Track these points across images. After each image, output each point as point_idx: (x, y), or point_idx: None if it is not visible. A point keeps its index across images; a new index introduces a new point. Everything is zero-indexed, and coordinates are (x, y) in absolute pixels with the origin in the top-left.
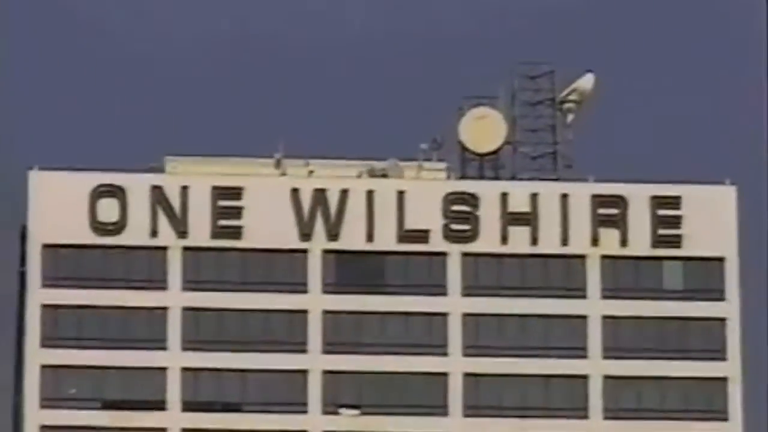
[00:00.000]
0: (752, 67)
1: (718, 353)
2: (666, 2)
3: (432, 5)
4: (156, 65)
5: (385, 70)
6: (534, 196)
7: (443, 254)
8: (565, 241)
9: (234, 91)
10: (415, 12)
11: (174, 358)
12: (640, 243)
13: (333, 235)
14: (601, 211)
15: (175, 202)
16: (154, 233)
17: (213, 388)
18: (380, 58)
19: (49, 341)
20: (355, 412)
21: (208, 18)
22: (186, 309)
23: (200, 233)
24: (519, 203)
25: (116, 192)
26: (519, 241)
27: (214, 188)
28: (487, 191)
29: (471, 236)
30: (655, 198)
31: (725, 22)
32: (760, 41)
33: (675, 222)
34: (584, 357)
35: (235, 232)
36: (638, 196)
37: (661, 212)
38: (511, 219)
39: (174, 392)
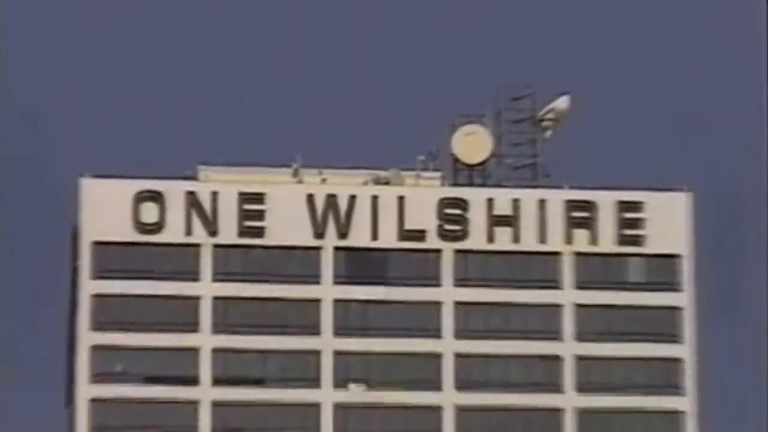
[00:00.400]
0: (702, 87)
1: (675, 337)
2: (632, 28)
3: (429, 37)
4: (190, 85)
5: (388, 92)
6: (516, 201)
7: (438, 251)
8: (542, 240)
9: (257, 109)
10: (414, 44)
11: (205, 340)
12: (608, 242)
13: (342, 234)
14: (574, 214)
15: (207, 206)
16: (188, 232)
17: (239, 366)
18: (384, 81)
19: (97, 326)
20: (362, 386)
21: (229, 39)
22: (216, 298)
23: (228, 232)
24: (503, 207)
25: (156, 197)
26: (503, 239)
27: (240, 194)
28: (476, 197)
29: (461, 235)
30: (620, 203)
31: (716, 31)
32: (757, 48)
33: (638, 224)
34: (559, 340)
35: (258, 232)
36: (606, 201)
37: (626, 215)
38: (496, 221)
39: (205, 369)
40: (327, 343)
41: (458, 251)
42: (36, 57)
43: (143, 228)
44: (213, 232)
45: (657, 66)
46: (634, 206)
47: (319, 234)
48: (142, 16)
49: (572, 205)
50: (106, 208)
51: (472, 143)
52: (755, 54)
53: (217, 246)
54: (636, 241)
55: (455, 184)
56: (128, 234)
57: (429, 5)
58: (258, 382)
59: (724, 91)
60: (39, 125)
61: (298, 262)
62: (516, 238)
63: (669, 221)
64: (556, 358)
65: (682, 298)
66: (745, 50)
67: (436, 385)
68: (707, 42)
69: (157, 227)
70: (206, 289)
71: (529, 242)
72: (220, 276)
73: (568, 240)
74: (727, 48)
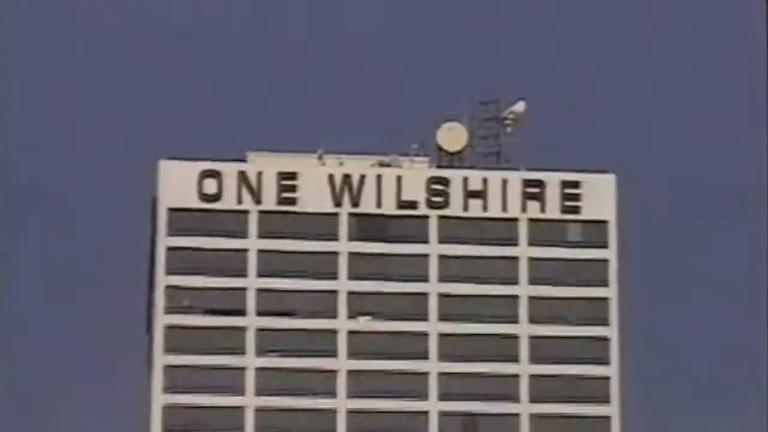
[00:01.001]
0: (700, 88)
1: (603, 281)
2: (591, 38)
3: (422, 55)
4: (245, 89)
5: (390, 97)
6: (485, 180)
7: (426, 217)
8: (504, 209)
9: (292, 109)
10: (410, 60)
11: (251, 282)
12: (553, 210)
13: (355, 203)
14: (528, 189)
15: (253, 182)
16: (239, 201)
17: (277, 301)
18: (387, 88)
19: (170, 270)
20: (368, 318)
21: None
22: (260, 251)
23: (269, 202)
24: (475, 184)
25: (215, 174)
26: (475, 209)
27: (279, 173)
28: (455, 176)
29: (444, 205)
30: (563, 181)
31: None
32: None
33: (576, 197)
34: (516, 284)
35: (292, 201)
36: (552, 180)
37: (567, 191)
38: (470, 194)
39: (251, 304)
40: (342, 285)
41: (441, 217)
42: (110, 59)
43: (205, 198)
44: (258, 201)
45: (645, 64)
46: (574, 184)
47: (337, 203)
48: (188, 30)
49: (527, 183)
50: (177, 183)
51: (452, 136)
52: (755, 54)
53: (261, 212)
54: (575, 210)
55: (440, 167)
56: (194, 202)
57: (423, 28)
58: (291, 314)
59: (724, 90)
60: (130, 120)
61: (321, 224)
62: (485, 208)
63: (599, 195)
64: (514, 297)
65: (609, 253)
66: (744, 50)
67: (424, 317)
68: (705, 42)
69: (216, 197)
70: (252, 244)
71: (495, 211)
72: (263, 234)
73: (524, 209)
74: (728, 48)
